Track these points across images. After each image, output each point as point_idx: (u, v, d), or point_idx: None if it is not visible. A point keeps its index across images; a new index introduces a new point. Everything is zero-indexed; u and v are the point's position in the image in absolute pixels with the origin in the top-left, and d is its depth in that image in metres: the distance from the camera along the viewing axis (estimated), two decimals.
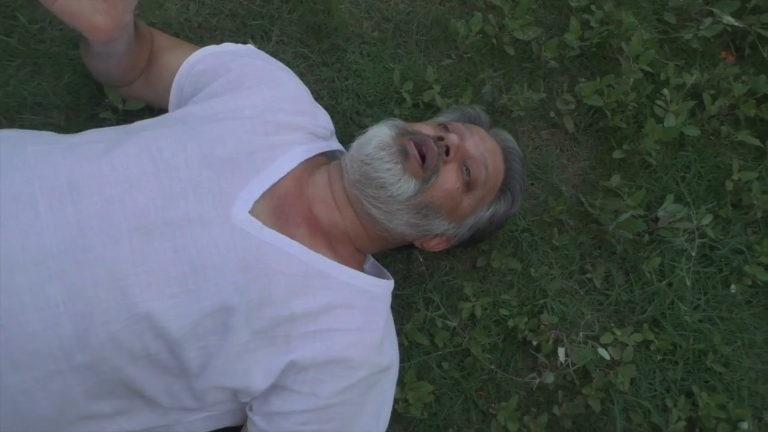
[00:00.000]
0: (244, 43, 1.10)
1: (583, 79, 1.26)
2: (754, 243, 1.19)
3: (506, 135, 1.11)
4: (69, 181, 0.82)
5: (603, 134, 1.26)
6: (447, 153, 0.95)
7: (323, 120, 1.07)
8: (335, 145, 1.09)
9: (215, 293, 0.82)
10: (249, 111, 0.97)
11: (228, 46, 1.08)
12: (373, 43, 1.27)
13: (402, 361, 1.02)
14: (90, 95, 1.16)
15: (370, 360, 0.90)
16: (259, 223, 0.87)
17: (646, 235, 1.19)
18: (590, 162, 1.26)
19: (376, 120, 1.22)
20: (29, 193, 0.80)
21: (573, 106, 1.25)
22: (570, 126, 1.25)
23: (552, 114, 1.26)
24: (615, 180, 1.20)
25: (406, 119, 1.23)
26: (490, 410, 1.11)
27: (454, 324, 1.14)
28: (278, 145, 0.96)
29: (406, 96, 1.23)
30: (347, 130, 1.22)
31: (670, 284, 1.17)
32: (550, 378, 1.10)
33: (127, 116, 1.10)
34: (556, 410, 1.09)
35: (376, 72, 1.26)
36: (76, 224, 0.79)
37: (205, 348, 0.83)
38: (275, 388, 0.87)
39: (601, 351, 1.12)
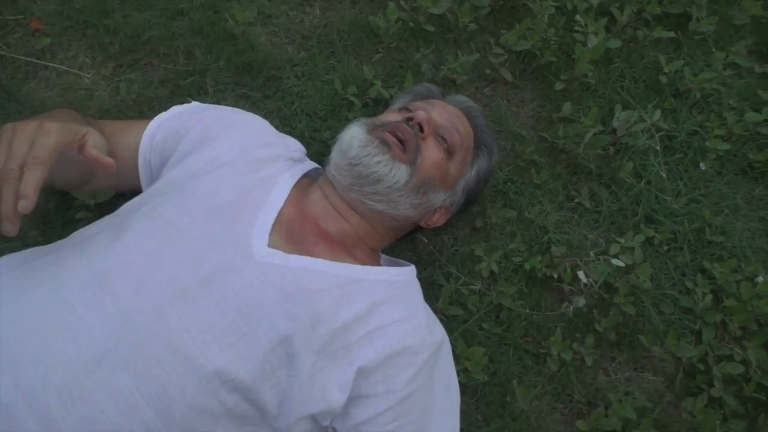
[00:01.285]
0: (187, 102, 1.14)
1: (504, 31, 1.35)
2: (704, 121, 1.31)
3: (461, 97, 1.19)
4: (95, 276, 0.83)
5: (539, 73, 1.36)
6: (422, 130, 1.02)
7: (293, 145, 1.12)
8: (311, 164, 1.13)
9: (270, 329, 0.84)
10: (226, 157, 1.00)
11: (177, 109, 1.11)
12: (304, 63, 1.33)
13: (447, 335, 1.06)
14: (57, 203, 1.16)
15: (426, 341, 0.95)
16: (281, 253, 0.91)
17: (611, 148, 1.29)
18: (537, 101, 1.35)
19: (334, 132, 1.27)
20: (62, 300, 0.81)
21: (505, 57, 1.34)
22: (508, 76, 1.34)
23: (488, 71, 1.35)
24: (566, 108, 1.30)
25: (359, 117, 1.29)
26: (541, 350, 1.16)
27: (479, 286, 1.19)
28: (267, 179, 1.00)
29: (354, 99, 1.29)
30: (311, 149, 1.26)
31: (648, 182, 1.27)
32: (581, 302, 1.17)
33: (101, 210, 1.10)
34: (597, 327, 1.16)
35: (317, 88, 1.31)
36: (118, 312, 0.81)
37: (278, 385, 0.85)
38: (352, 400, 0.90)
39: (615, 261, 1.20)
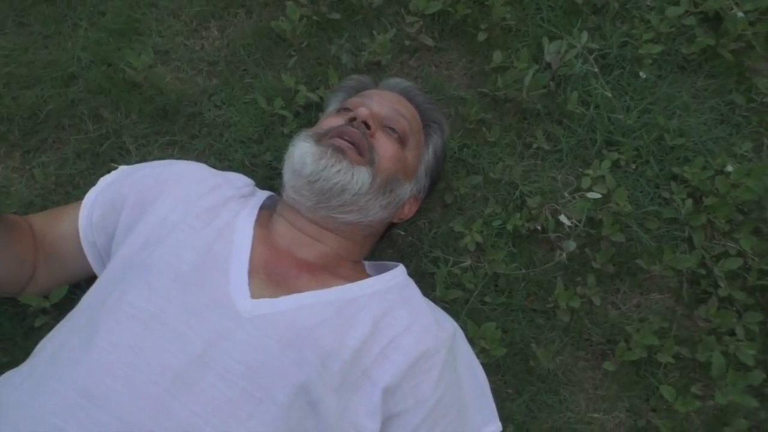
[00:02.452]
0: (113, 168, 1.06)
1: None
2: (629, 29, 1.30)
3: (394, 80, 1.14)
4: (79, 392, 0.75)
5: (458, 29, 1.32)
6: (368, 127, 0.98)
7: (238, 180, 1.06)
8: (264, 193, 1.07)
9: (283, 384, 0.79)
10: (173, 216, 0.94)
11: (105, 180, 1.03)
12: (219, 90, 1.26)
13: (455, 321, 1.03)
14: (8, 317, 1.07)
15: (440, 338, 0.92)
16: (267, 300, 0.86)
17: (551, 83, 1.27)
18: (465, 58, 1.32)
19: (275, 152, 1.22)
20: (52, 425, 0.73)
21: (420, 24, 1.29)
22: (429, 41, 1.30)
23: (407, 42, 1.30)
24: (497, 57, 1.27)
25: (299, 131, 1.23)
26: (547, 306, 1.15)
27: (469, 262, 1.17)
28: (224, 227, 0.94)
29: (283, 112, 1.23)
30: (256, 177, 1.20)
31: (597, 106, 1.26)
32: (571, 245, 1.16)
33: (60, 308, 1.02)
34: (594, 264, 1.15)
35: (241, 111, 1.24)
36: (119, 424, 0.74)
37: None
38: (386, 421, 0.87)
39: (591, 194, 1.19)
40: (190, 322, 0.81)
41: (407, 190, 1.03)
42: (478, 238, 1.17)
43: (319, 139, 0.97)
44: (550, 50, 1.29)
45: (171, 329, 0.80)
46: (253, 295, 0.85)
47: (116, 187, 1.00)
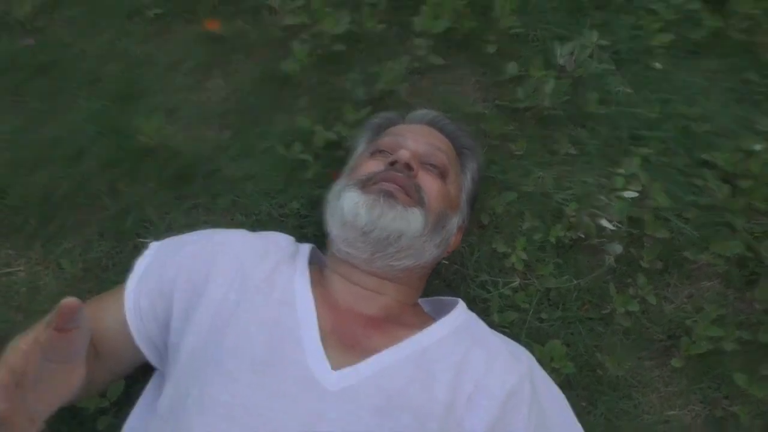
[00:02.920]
0: (142, 245, 1.01)
1: (413, 18, 1.28)
2: (637, 21, 1.30)
3: (420, 112, 1.12)
4: None
5: (466, 45, 1.31)
6: (410, 168, 0.95)
7: (282, 240, 1.02)
8: (304, 247, 1.04)
9: None
10: (232, 294, 0.90)
11: (142, 263, 0.98)
12: (234, 142, 1.22)
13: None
14: (66, 423, 1.02)
15: (521, 372, 0.90)
16: (348, 369, 0.83)
17: (570, 81, 1.26)
18: (477, 72, 1.31)
19: (301, 199, 1.18)
20: None
21: (429, 42, 1.27)
22: (438, 60, 1.29)
23: (416, 64, 1.28)
24: (512, 68, 1.26)
25: (324, 174, 1.21)
26: (603, 312, 1.15)
27: (517, 281, 1.16)
28: (283, 295, 0.91)
29: (304, 156, 1.20)
30: (288, 228, 1.17)
31: (618, 103, 1.26)
32: (618, 248, 1.15)
33: (118, 405, 0.98)
34: (643, 264, 1.15)
35: (260, 161, 1.21)
36: None
37: None
38: None
39: (627, 194, 1.19)
40: (279, 409, 0.78)
41: (455, 223, 1.02)
42: (523, 256, 1.15)
43: (364, 186, 0.94)
44: (563, 53, 1.28)
45: (261, 420, 0.77)
46: (333, 366, 0.82)
47: (159, 271, 0.95)
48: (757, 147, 1.21)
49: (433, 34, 1.28)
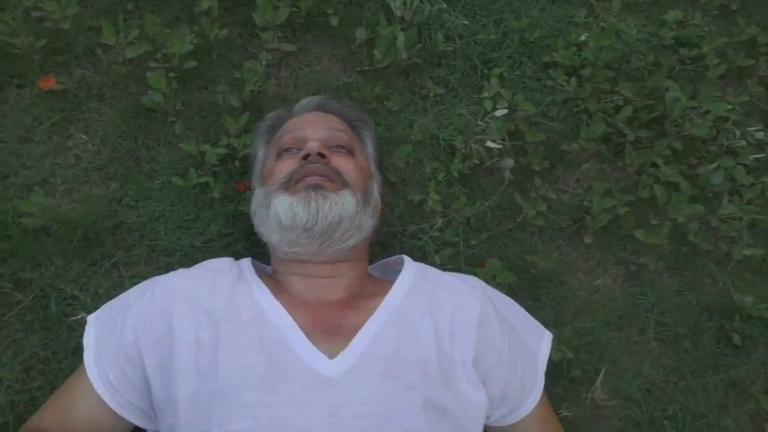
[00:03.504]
0: (79, 323, 0.97)
1: (253, 14, 1.29)
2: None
3: (304, 101, 1.16)
4: None
5: (309, 24, 1.35)
6: (323, 156, 1.00)
7: (221, 264, 1.03)
8: (244, 263, 1.05)
9: (413, 411, 0.85)
10: (205, 332, 0.90)
11: (89, 338, 0.96)
12: (127, 193, 1.18)
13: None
14: None
15: (479, 296, 1.00)
16: (342, 353, 0.88)
17: (415, 30, 1.35)
18: (329, 46, 1.36)
19: (224, 219, 1.19)
20: None
21: (276, 33, 1.30)
22: (290, 47, 1.32)
23: (272, 57, 1.31)
24: (360, 33, 1.32)
25: (229, 188, 1.22)
26: (517, 220, 1.28)
27: (440, 221, 1.25)
28: (254, 314, 0.93)
29: (204, 179, 1.20)
30: (216, 253, 1.17)
31: (460, 36, 1.37)
32: (509, 162, 1.29)
33: None
34: (534, 167, 1.29)
35: (164, 199, 1.19)
36: None
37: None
38: (485, 383, 0.95)
39: (498, 113, 1.31)
40: (300, 411, 0.82)
41: (376, 190, 1.08)
42: (437, 197, 1.25)
43: (288, 187, 0.98)
44: (397, 5, 1.36)
45: (292, 428, 0.81)
46: (329, 356, 0.87)
47: (114, 339, 0.93)
48: (583, 37, 1.39)
49: (277, 24, 1.30)
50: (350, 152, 1.06)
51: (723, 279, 1.28)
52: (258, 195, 1.03)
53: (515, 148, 1.31)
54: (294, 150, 1.04)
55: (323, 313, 0.95)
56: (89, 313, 1.00)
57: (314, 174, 0.97)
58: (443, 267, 1.18)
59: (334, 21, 1.35)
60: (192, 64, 1.26)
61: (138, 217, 1.17)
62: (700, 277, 1.28)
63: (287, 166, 1.01)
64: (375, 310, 0.95)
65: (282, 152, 1.05)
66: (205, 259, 1.09)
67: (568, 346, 1.17)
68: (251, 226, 1.09)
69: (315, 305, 0.96)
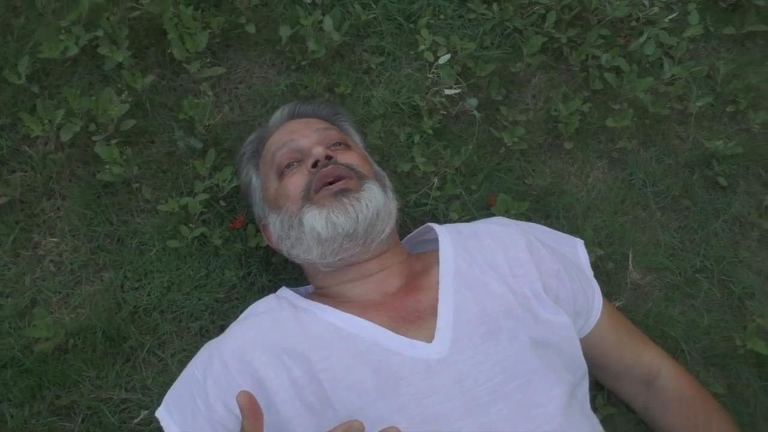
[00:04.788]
0: (157, 420, 0.91)
1: (170, 50, 1.21)
2: None
3: (276, 114, 1.13)
4: None
5: (229, 39, 1.29)
6: (330, 158, 0.97)
7: (266, 304, 1.00)
8: (286, 292, 1.02)
9: (525, 356, 0.88)
10: (297, 372, 0.88)
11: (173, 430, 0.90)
12: (126, 280, 1.10)
13: None
14: None
15: (516, 231, 1.04)
16: (437, 333, 0.88)
17: (336, 9, 1.32)
18: (254, 53, 1.30)
19: (236, 259, 1.13)
20: None
21: (203, 61, 1.23)
22: (220, 70, 1.25)
23: (207, 86, 1.24)
24: (285, 31, 1.28)
25: (227, 231, 1.16)
26: (500, 152, 1.31)
27: (435, 180, 1.26)
28: (332, 335, 0.91)
29: (199, 231, 1.13)
30: (244, 296, 1.12)
31: (376, 1, 1.36)
32: (473, 102, 1.29)
33: None
34: (495, 97, 1.32)
35: (165, 265, 1.12)
36: None
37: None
38: (558, 304, 0.99)
39: (442, 60, 1.31)
40: (434, 401, 0.82)
41: (381, 171, 1.07)
42: (423, 160, 1.25)
43: (311, 200, 0.94)
44: None
45: (435, 418, 0.80)
46: (428, 340, 0.87)
47: (205, 420, 0.88)
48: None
49: (199, 52, 1.23)
50: (347, 146, 1.04)
51: (689, 134, 1.38)
52: (277, 220, 0.99)
53: (471, 87, 1.33)
54: (295, 163, 1.00)
55: (394, 305, 0.94)
56: (149, 408, 0.94)
57: (331, 176, 0.95)
58: (460, 220, 1.19)
59: (251, 29, 1.29)
60: (131, 123, 1.17)
61: (148, 295, 1.10)
62: (669, 140, 1.37)
63: (297, 180, 0.98)
64: (438, 282, 0.95)
65: (283, 170, 1.01)
66: (235, 308, 1.05)
67: (594, 245, 1.23)
68: (266, 256, 1.05)
69: (382, 302, 0.95)
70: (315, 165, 0.97)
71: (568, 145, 1.33)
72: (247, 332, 0.93)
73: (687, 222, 1.31)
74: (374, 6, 1.35)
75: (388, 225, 0.98)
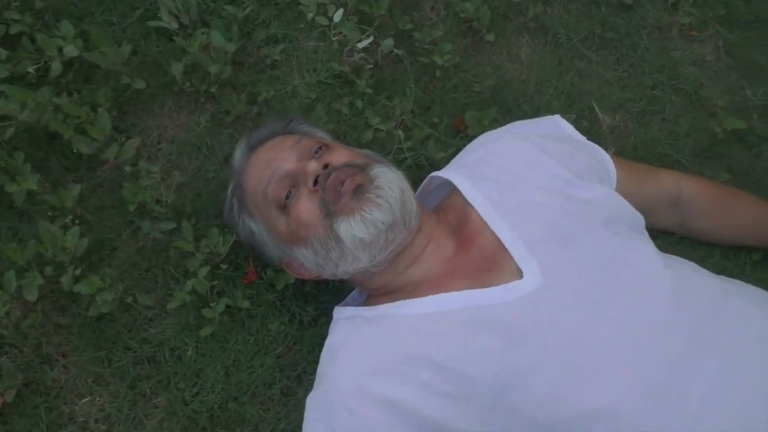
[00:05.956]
0: None
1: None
2: None
3: (237, 153, 1.05)
4: None
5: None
6: (326, 166, 0.91)
7: (340, 330, 0.95)
8: (341, 312, 0.98)
9: (604, 246, 0.89)
10: (421, 377, 0.84)
11: None
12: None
13: None
14: None
15: (512, 136, 1.08)
16: (525, 265, 0.87)
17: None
18: (165, 94, 1.17)
19: (267, 315, 1.06)
20: None
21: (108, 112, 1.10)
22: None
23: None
24: (177, 68, 1.15)
25: (243, 289, 1.08)
26: (476, 84, 1.29)
27: (400, 132, 1.23)
28: (421, 321, 0.88)
29: (223, 304, 1.04)
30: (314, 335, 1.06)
31: None
32: (389, 43, 1.25)
33: None
34: (418, 36, 1.28)
35: (202, 357, 1.03)
36: None
37: None
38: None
39: (336, 17, 1.24)
40: (563, 328, 0.82)
41: (368, 151, 1.04)
42: (378, 119, 1.20)
43: (334, 213, 0.88)
44: (169, 21, 1.19)
45: (573, 341, 0.82)
46: (519, 277, 0.86)
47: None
48: None
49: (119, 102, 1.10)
50: (326, 146, 0.97)
51: None
52: (308, 252, 0.93)
53: (379, 30, 1.27)
54: (292, 190, 0.93)
55: (463, 265, 0.92)
56: None
57: (340, 183, 0.89)
58: (447, 157, 1.17)
59: (140, 84, 1.15)
60: (84, 243, 1.03)
61: (213, 392, 1.01)
62: None
63: (306, 205, 0.91)
64: (485, 221, 0.93)
65: (284, 203, 0.93)
66: (300, 352, 1.04)
67: (565, 114, 1.24)
68: (298, 289, 1.00)
69: (450, 268, 0.93)
70: (317, 181, 0.90)
71: (490, 38, 1.32)
72: (347, 368, 0.88)
73: (620, 52, 1.35)
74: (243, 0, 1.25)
75: (412, 196, 0.94)
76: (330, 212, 0.89)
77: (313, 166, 0.90)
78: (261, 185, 0.95)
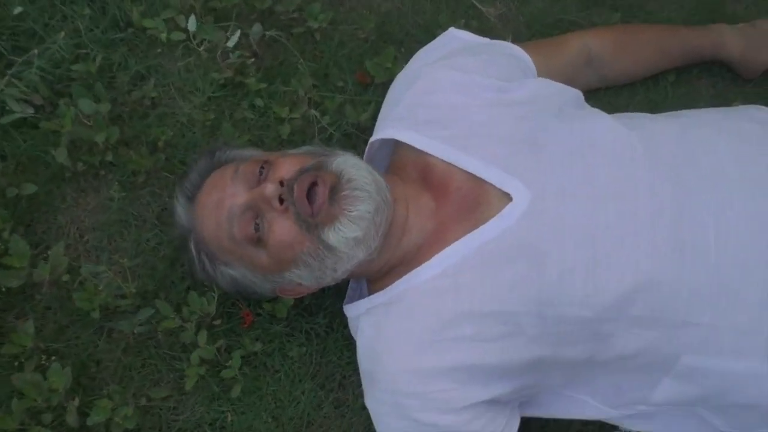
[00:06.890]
0: None
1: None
2: None
3: (178, 209, 0.96)
4: None
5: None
6: (282, 184, 0.85)
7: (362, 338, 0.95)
8: (360, 306, 0.96)
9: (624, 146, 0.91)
10: (465, 331, 0.86)
11: None
12: None
13: None
14: None
15: (439, 67, 1.05)
16: (513, 189, 0.87)
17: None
18: None
19: (281, 346, 1.02)
20: None
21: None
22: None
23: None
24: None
25: (244, 333, 1.03)
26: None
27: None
28: (442, 286, 0.88)
29: (237, 359, 1.00)
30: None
31: None
32: (257, 30, 1.17)
33: None
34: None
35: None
36: None
37: None
38: None
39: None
40: (570, 231, 0.84)
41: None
42: (285, 108, 1.14)
43: (316, 225, 0.84)
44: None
45: (595, 240, 0.84)
46: (506, 202, 0.86)
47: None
48: None
49: (18, 216, 0.98)
50: (268, 162, 0.89)
51: None
52: (303, 272, 0.88)
53: (239, 19, 1.18)
54: (256, 222, 0.86)
55: (450, 213, 0.91)
56: None
57: (307, 190, 0.83)
58: (370, 113, 1.14)
59: (30, 189, 1.02)
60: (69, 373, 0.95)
61: None
62: None
63: (282, 227, 0.84)
64: (444, 161, 0.92)
65: (255, 237, 0.86)
66: (329, 365, 1.04)
67: (458, 26, 1.21)
68: (299, 308, 0.98)
69: (441, 221, 0.91)
70: (282, 201, 0.85)
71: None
72: (393, 358, 0.88)
73: None
74: (83, 46, 1.12)
75: (377, 172, 0.91)
76: (311, 225, 0.84)
77: (270, 188, 0.84)
78: (223, 230, 0.88)
